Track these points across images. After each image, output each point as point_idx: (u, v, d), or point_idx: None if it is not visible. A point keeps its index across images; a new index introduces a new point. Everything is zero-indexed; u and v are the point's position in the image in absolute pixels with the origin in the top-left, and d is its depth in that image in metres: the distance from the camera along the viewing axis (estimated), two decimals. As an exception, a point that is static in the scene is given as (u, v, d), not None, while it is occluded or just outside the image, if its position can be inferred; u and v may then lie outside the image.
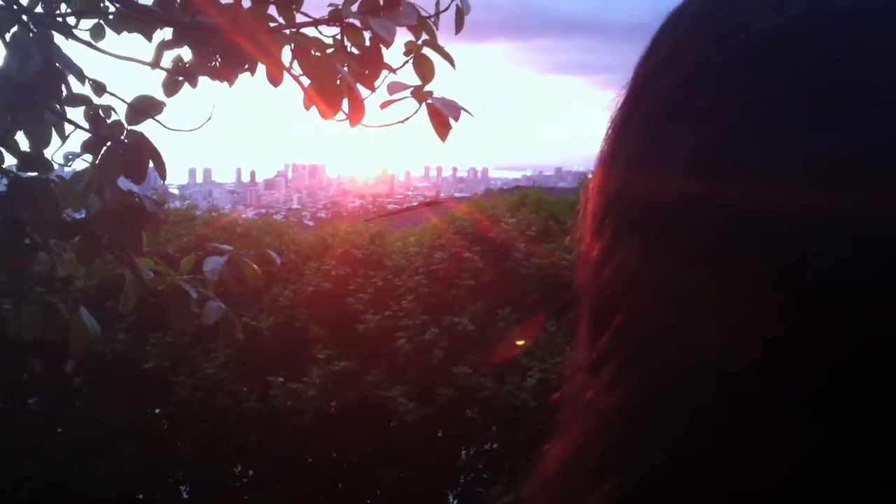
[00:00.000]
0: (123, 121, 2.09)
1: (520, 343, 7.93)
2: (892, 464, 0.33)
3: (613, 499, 0.41)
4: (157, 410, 9.50)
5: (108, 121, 2.11)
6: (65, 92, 2.02)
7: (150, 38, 2.19)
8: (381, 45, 2.09)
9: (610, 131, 0.48)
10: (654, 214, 0.42)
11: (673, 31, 0.46)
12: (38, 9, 2.06)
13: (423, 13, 2.10)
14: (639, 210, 0.43)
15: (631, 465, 0.40)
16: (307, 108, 2.10)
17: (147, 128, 2.11)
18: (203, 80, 2.20)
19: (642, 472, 0.40)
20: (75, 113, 2.11)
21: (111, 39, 2.21)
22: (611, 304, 0.44)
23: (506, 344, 8.11)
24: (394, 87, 2.00)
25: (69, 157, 2.16)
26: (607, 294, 0.45)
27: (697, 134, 0.40)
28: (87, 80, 2.05)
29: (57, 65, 1.87)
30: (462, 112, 2.01)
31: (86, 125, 2.11)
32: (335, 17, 2.05)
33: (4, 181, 2.04)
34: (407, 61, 2.11)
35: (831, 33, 0.38)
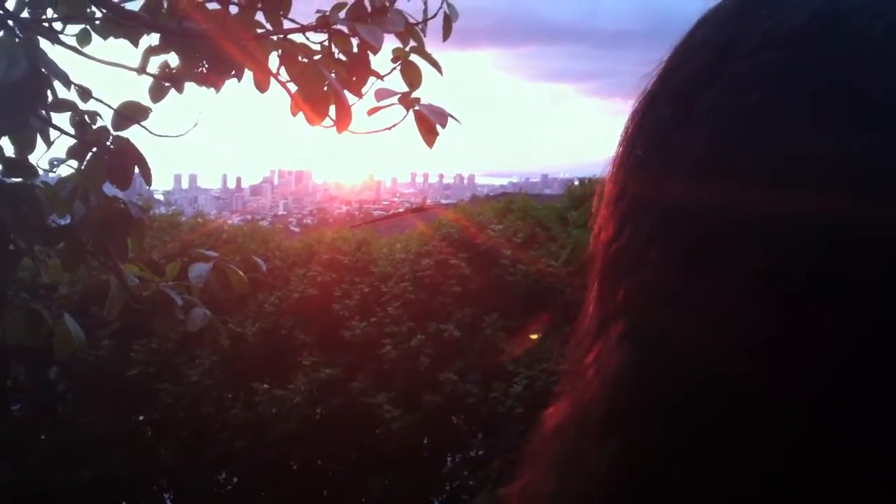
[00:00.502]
0: (109, 126, 2.08)
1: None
2: (890, 463, 0.33)
3: (615, 463, 0.41)
4: (142, 417, 9.44)
5: (94, 126, 2.11)
6: (50, 97, 2.01)
7: (136, 44, 2.18)
8: (369, 52, 2.10)
9: (628, 122, 0.48)
10: (653, 214, 0.42)
11: (692, 33, 0.46)
12: (24, 14, 2.05)
13: (411, 20, 2.10)
14: (640, 208, 0.44)
15: (631, 432, 0.41)
16: (294, 114, 2.10)
17: (133, 133, 2.10)
18: (189, 86, 2.20)
19: (642, 439, 0.40)
20: (61, 118, 2.10)
21: (97, 45, 2.21)
22: (618, 275, 0.45)
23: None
24: (381, 94, 2.01)
25: (54, 163, 2.15)
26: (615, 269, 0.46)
27: (698, 136, 0.41)
28: (72, 86, 2.04)
29: (42, 70, 1.86)
30: (449, 119, 2.01)
31: (71, 131, 2.10)
32: (323, 24, 2.05)
33: (-11, 186, 2.03)
34: (394, 68, 2.11)
35: (841, 36, 0.38)
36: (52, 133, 2.09)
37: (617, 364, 0.42)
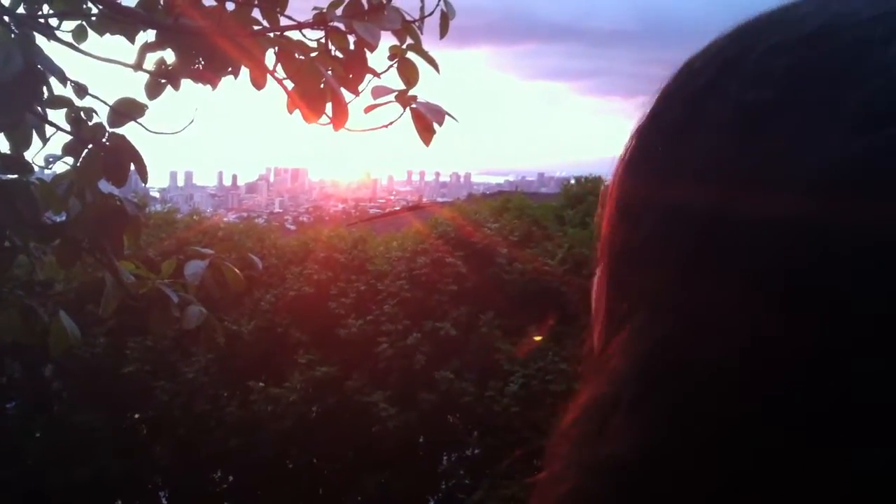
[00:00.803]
0: (105, 123, 2.07)
1: (537, 339, 7.96)
2: (857, 460, 0.34)
3: (629, 454, 0.41)
4: (137, 415, 9.45)
5: (90, 123, 2.10)
6: (46, 94, 2.01)
7: (132, 41, 2.18)
8: (366, 49, 2.09)
9: (637, 123, 0.49)
10: (654, 214, 0.43)
11: (706, 47, 0.48)
12: (20, 10, 2.05)
13: (408, 17, 2.10)
14: (643, 208, 0.44)
15: (642, 427, 0.41)
16: (290, 111, 2.09)
17: (129, 130, 2.10)
18: (186, 83, 2.19)
19: (651, 434, 0.41)
20: (56, 115, 2.10)
21: (93, 41, 2.20)
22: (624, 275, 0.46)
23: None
24: (378, 92, 2.00)
25: (50, 160, 2.14)
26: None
27: (703, 138, 0.42)
28: (68, 82, 2.03)
29: (38, 66, 1.85)
30: (446, 117, 2.01)
31: (67, 127, 2.09)
32: (319, 21, 2.04)
33: (-16, 183, 2.02)
34: (391, 65, 2.11)
35: (843, 46, 0.39)
36: (48, 130, 2.09)
37: (626, 361, 0.43)
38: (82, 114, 2.10)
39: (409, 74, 2.10)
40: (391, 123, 2.01)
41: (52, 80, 1.98)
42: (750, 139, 0.39)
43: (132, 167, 2.07)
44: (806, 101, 0.38)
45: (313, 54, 2.09)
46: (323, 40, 2.10)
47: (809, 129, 0.37)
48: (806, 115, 0.38)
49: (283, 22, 2.13)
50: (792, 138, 0.37)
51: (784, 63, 0.40)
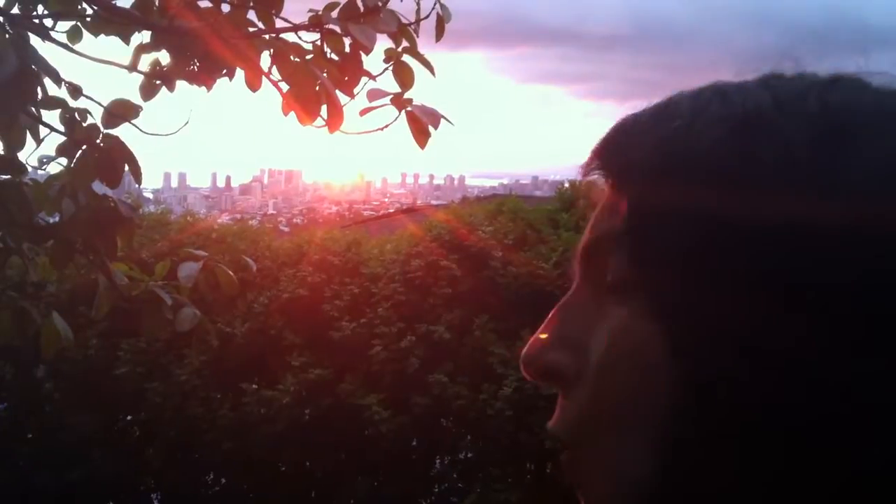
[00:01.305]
0: (99, 124, 2.07)
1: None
2: (857, 460, 0.35)
3: (645, 458, 0.42)
4: (129, 417, 9.41)
5: (84, 124, 2.10)
6: (40, 94, 2.00)
7: (127, 42, 2.17)
8: (361, 52, 2.09)
9: (630, 129, 0.48)
10: (650, 218, 0.43)
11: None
12: (14, 10, 2.04)
13: (404, 20, 2.10)
14: (637, 213, 0.45)
15: (654, 433, 0.42)
16: (285, 113, 2.09)
17: (123, 131, 2.09)
18: (180, 84, 2.19)
19: (663, 438, 0.41)
20: (51, 116, 2.09)
21: (88, 42, 2.20)
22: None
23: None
24: (373, 94, 2.00)
25: (43, 161, 2.14)
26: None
27: (701, 145, 0.42)
28: (63, 83, 2.03)
29: (32, 67, 1.85)
30: (441, 119, 2.01)
31: (61, 128, 2.09)
32: (315, 23, 2.04)
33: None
34: (387, 68, 2.11)
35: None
36: (42, 130, 2.08)
37: (630, 366, 0.43)
38: (76, 115, 2.10)
39: (404, 77, 2.10)
40: (386, 126, 2.01)
41: (47, 81, 1.97)
42: (749, 146, 0.40)
43: (126, 168, 2.07)
44: (799, 123, 0.40)
45: (309, 56, 2.09)
46: (318, 42, 2.10)
47: (806, 144, 0.38)
48: (803, 134, 0.39)
49: (279, 24, 2.13)
50: (780, 149, 0.39)
51: (783, 115, 0.41)
